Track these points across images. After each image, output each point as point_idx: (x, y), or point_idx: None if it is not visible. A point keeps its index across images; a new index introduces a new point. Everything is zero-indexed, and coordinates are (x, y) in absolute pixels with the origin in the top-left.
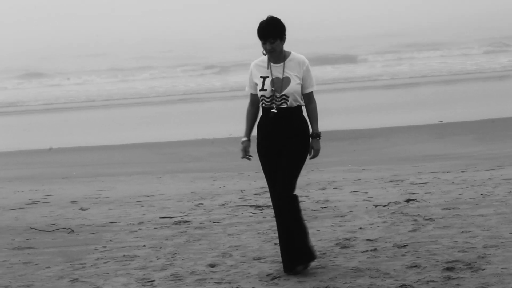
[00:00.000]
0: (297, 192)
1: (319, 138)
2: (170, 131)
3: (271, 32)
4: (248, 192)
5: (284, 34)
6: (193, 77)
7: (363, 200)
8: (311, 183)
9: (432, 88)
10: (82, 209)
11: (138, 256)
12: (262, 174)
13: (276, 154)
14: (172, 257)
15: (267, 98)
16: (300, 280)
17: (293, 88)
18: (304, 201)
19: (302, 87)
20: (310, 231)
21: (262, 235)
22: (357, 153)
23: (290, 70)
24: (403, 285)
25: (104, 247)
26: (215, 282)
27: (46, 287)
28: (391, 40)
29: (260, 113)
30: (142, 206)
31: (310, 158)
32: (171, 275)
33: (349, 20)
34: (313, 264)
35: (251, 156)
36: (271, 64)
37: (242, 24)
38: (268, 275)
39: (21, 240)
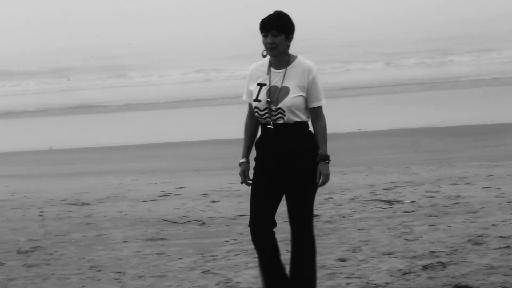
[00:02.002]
0: (428, 187)
1: (328, 162)
2: None
3: (276, 23)
4: (377, 186)
5: (292, 33)
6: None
7: (496, 196)
8: (442, 178)
9: None
10: (213, 201)
11: None
12: (392, 168)
13: (274, 178)
14: None
15: (261, 111)
16: (431, 276)
17: (290, 101)
18: (435, 196)
19: (307, 101)
20: (441, 226)
21: (392, 230)
22: (489, 148)
23: (292, 78)
24: None
25: (235, 239)
26: (345, 277)
27: (178, 278)
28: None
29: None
30: None
31: (318, 186)
32: None
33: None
34: (445, 260)
35: (251, 180)
36: (272, 69)
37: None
38: (399, 270)
39: (154, 232)
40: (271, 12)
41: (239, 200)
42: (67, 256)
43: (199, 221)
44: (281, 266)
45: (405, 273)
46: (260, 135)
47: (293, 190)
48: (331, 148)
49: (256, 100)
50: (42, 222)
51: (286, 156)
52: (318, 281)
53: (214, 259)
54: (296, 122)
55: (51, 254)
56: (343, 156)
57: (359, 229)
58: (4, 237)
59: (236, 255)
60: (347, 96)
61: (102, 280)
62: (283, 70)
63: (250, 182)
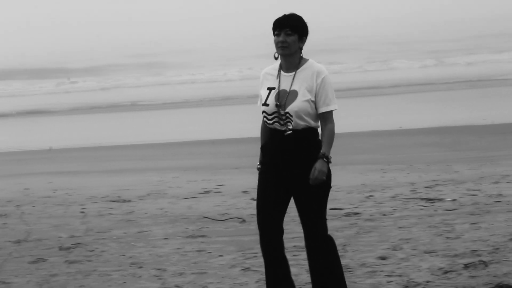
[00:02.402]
0: (469, 185)
1: (327, 161)
2: (339, 122)
3: (291, 22)
4: (418, 184)
5: (305, 35)
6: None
7: None
8: (484, 176)
9: None
10: (253, 199)
11: None
12: (433, 166)
13: (282, 185)
14: (342, 249)
15: (269, 115)
16: (473, 275)
17: (298, 105)
18: (476, 195)
19: (316, 105)
20: (483, 225)
21: (433, 229)
22: None
23: (301, 82)
24: None
25: None
26: (385, 275)
27: (218, 275)
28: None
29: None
30: None
31: (311, 182)
32: None
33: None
34: (486, 258)
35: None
36: (282, 72)
37: None
38: (440, 269)
39: (195, 229)
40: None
41: None
42: (108, 252)
43: (239, 218)
44: (289, 277)
45: (446, 272)
46: (268, 140)
47: (300, 192)
48: (373, 145)
49: (265, 104)
50: (84, 219)
51: (293, 164)
52: (358, 279)
53: (255, 256)
54: (304, 128)
55: (92, 251)
56: (384, 153)
57: (400, 227)
58: (47, 233)
59: None
60: (389, 94)
61: (143, 277)
62: (293, 73)
63: None
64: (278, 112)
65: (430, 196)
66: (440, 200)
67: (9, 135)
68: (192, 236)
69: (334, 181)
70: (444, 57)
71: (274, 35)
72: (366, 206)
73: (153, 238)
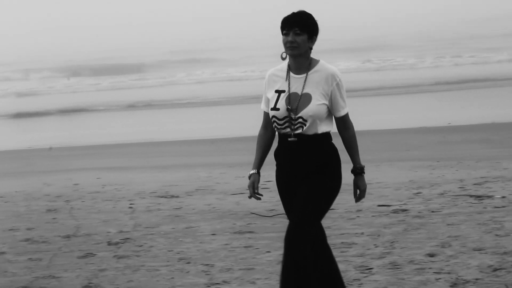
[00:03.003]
0: None
1: (364, 173)
2: (387, 118)
3: (300, 21)
4: (467, 181)
5: (315, 34)
6: None
7: None
8: None
9: None
10: None
11: (356, 244)
12: (482, 163)
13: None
14: (390, 246)
15: (280, 120)
16: None
17: (313, 109)
18: None
19: (332, 109)
20: None
21: (482, 226)
22: None
23: (314, 84)
24: None
25: None
26: (434, 272)
27: (266, 271)
28: None
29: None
30: None
31: (356, 201)
32: (389, 264)
33: None
34: None
35: (260, 195)
36: (291, 74)
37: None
38: (489, 266)
39: (242, 225)
40: (295, 10)
41: None
42: (156, 248)
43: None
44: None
45: (495, 269)
46: (279, 146)
47: (308, 180)
48: (421, 142)
49: (274, 108)
50: (132, 214)
51: (307, 166)
52: (406, 276)
53: None
54: (317, 133)
55: (140, 246)
56: (433, 150)
57: (449, 224)
58: (96, 228)
59: None
60: (438, 91)
61: (190, 272)
62: (304, 75)
63: (259, 196)
64: (289, 116)
65: (479, 193)
66: (489, 197)
67: (59, 131)
68: (240, 232)
69: (381, 178)
70: (491, 53)
71: (282, 34)
72: (414, 203)
73: (201, 234)
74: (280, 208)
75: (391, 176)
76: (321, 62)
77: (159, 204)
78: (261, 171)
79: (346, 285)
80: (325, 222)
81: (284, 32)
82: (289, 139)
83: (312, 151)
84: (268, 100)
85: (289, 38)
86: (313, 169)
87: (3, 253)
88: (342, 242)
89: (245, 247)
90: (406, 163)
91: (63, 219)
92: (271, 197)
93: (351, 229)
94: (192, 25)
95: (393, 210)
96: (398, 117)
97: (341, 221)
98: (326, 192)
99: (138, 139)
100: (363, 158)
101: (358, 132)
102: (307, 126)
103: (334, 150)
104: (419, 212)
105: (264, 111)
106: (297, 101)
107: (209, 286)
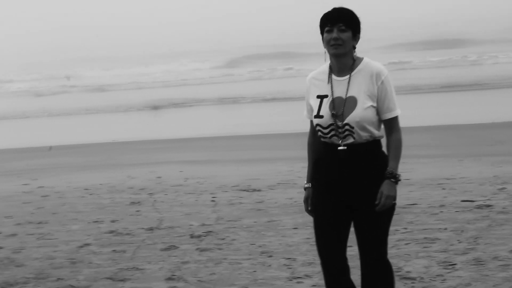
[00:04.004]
0: None
1: (395, 181)
2: (471, 113)
3: (344, 16)
4: None
5: (359, 32)
6: None
7: None
8: None
9: None
10: None
11: (440, 239)
12: None
13: (341, 208)
14: (474, 241)
15: (324, 128)
16: None
17: (360, 114)
18: None
19: (378, 111)
20: None
21: None
22: None
23: (358, 86)
24: None
25: (405, 228)
26: None
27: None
28: None
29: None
30: (443, 188)
31: (377, 208)
32: (473, 260)
33: None
34: None
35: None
36: (333, 77)
37: None
38: None
39: None
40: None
41: (409, 189)
42: (238, 241)
43: None
44: None
45: None
46: (323, 156)
47: (362, 214)
48: (506, 137)
49: (318, 116)
50: (215, 207)
51: (357, 184)
52: (490, 273)
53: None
54: (369, 140)
55: (223, 239)
56: None
57: None
58: (178, 221)
59: (406, 244)
60: None
61: (272, 266)
62: (347, 76)
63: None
64: (335, 124)
65: None
66: None
67: (156, 126)
68: None
69: (465, 173)
70: None
71: (324, 32)
72: (498, 199)
73: (282, 228)
74: None
75: (475, 171)
76: (365, 59)
77: (241, 197)
78: None
79: (429, 280)
80: (407, 217)
81: (326, 29)
82: (338, 148)
83: (364, 163)
84: (311, 107)
85: (334, 35)
86: (366, 183)
87: (88, 244)
88: (425, 238)
89: None
90: (491, 158)
91: (146, 211)
92: (298, 192)
93: (434, 224)
94: None
95: (477, 205)
96: (484, 111)
97: (424, 216)
98: (388, 222)
99: (221, 132)
100: (445, 153)
101: (443, 126)
102: (355, 133)
103: (386, 161)
104: (503, 208)
105: (311, 120)
106: (342, 106)
107: (290, 280)
